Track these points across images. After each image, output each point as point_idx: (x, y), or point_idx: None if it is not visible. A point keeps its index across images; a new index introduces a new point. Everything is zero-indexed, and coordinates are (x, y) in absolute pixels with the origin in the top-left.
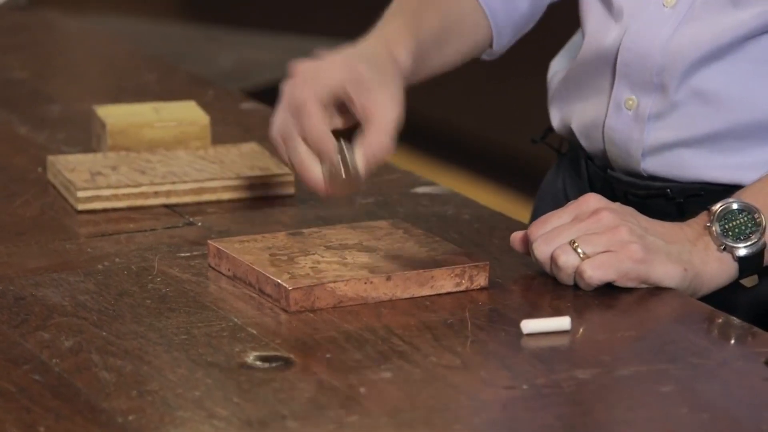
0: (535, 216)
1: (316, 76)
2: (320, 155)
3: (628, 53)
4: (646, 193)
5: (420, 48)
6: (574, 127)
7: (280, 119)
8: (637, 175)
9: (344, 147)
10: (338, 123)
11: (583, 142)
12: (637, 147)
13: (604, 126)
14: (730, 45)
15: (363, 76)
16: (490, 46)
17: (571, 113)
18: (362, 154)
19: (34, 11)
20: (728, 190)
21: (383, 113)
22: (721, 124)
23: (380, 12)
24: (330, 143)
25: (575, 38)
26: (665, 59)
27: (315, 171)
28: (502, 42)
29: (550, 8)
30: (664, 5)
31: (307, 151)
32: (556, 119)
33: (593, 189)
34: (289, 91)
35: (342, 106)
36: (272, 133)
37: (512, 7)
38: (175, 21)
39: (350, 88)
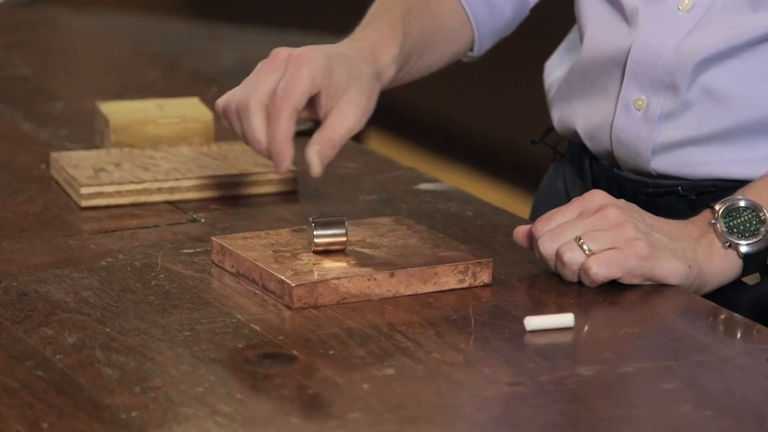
0: (534, 217)
1: (294, 79)
2: (276, 158)
3: (639, 54)
4: (656, 192)
5: (404, 54)
6: (579, 128)
7: (241, 92)
8: (646, 174)
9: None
10: (303, 114)
11: (588, 143)
12: (647, 147)
13: (611, 126)
14: (744, 46)
15: (335, 77)
16: (471, 50)
17: (574, 114)
18: (313, 148)
19: (38, 8)
20: (741, 185)
21: (341, 120)
22: (733, 121)
23: None
24: (289, 150)
25: (570, 39)
26: (677, 60)
27: (264, 142)
28: (484, 47)
29: (554, 9)
30: (679, 8)
31: (262, 125)
32: (556, 120)
33: (598, 188)
34: (263, 78)
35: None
36: (224, 101)
37: (497, 14)
38: (179, 18)
39: (322, 84)
